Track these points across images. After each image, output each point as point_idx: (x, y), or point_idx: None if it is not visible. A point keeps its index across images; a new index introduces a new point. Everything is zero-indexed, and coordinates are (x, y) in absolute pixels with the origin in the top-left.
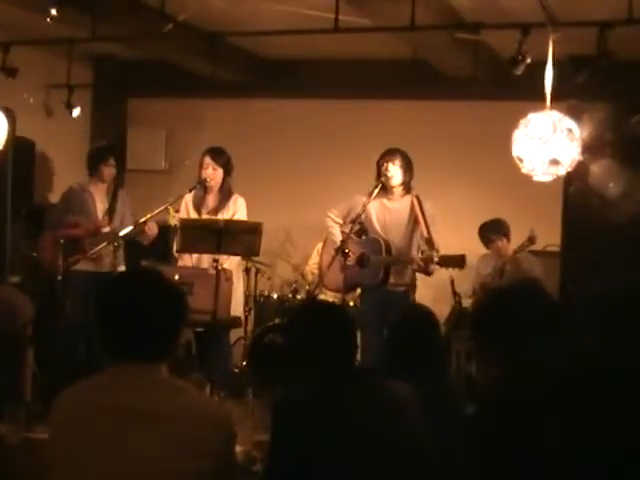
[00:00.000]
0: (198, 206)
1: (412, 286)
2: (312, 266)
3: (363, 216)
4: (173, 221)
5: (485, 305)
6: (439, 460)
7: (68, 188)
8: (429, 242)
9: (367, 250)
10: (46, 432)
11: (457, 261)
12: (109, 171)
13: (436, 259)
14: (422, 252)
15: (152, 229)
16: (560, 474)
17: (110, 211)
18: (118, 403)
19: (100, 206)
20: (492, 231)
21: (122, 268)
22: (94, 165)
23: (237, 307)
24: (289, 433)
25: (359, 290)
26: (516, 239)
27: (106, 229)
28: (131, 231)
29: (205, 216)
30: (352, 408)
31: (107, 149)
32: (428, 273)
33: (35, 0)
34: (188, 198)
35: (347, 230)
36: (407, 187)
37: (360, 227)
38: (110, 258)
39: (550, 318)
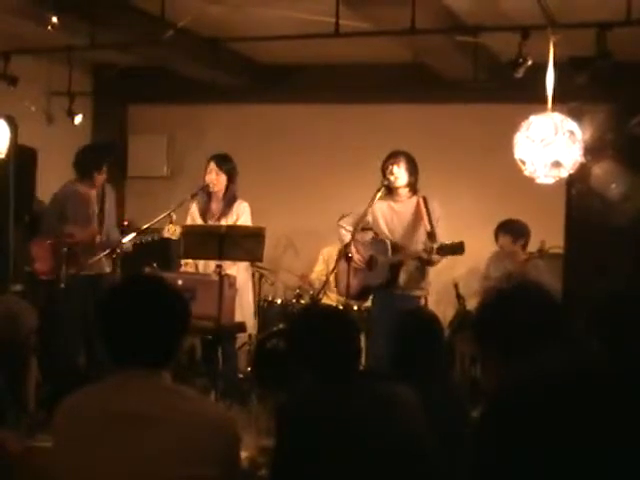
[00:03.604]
0: (204, 214)
1: (426, 293)
2: (318, 273)
3: (370, 219)
4: (168, 235)
5: (487, 307)
6: (441, 461)
7: (58, 192)
8: (431, 235)
9: (375, 252)
10: (49, 440)
11: (456, 248)
12: (102, 178)
13: (435, 247)
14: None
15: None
16: (562, 476)
17: (100, 215)
18: (121, 409)
19: (93, 209)
20: (516, 233)
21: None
22: (88, 171)
23: (247, 311)
24: (293, 434)
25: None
26: None
27: (98, 238)
28: (133, 238)
29: (210, 223)
30: (354, 409)
31: (103, 157)
32: (430, 264)
33: (35, 9)
34: (193, 208)
35: (354, 233)
36: (413, 188)
37: (371, 232)
38: (106, 260)
39: (552, 320)
